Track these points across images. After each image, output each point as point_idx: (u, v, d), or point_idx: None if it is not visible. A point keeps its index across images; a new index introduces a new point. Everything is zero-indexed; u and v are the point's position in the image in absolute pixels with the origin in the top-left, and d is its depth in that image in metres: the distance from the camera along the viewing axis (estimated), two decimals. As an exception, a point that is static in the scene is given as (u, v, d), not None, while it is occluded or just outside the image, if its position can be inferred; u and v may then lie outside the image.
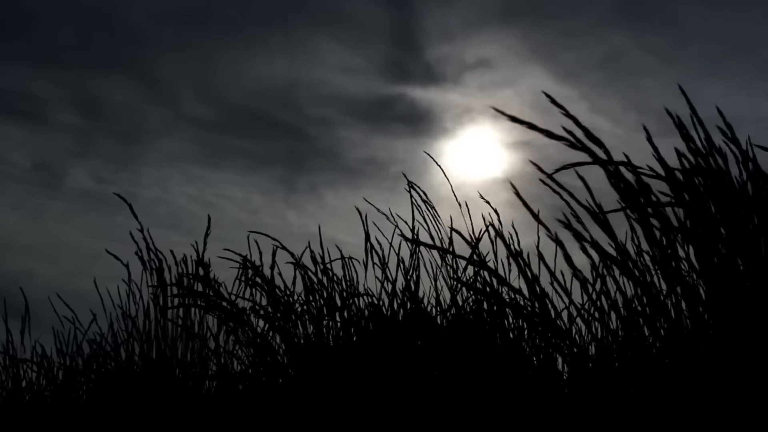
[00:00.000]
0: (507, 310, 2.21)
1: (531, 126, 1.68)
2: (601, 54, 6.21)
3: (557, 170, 1.69)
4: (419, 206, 2.69)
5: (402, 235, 2.65)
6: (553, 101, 1.65)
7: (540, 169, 1.75)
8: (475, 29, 6.36)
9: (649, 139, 1.82)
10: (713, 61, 5.79)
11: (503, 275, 2.52)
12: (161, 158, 7.18)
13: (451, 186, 2.63)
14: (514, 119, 1.67)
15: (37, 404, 3.31)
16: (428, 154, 2.70)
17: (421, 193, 2.70)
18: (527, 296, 1.82)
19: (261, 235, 3.06)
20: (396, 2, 6.49)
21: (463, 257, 1.89)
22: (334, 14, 6.57)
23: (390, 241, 2.77)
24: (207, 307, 2.82)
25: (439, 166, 2.66)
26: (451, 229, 2.62)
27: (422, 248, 2.70)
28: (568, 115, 1.64)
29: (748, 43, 5.71)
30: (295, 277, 2.89)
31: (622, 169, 1.72)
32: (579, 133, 1.71)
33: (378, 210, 2.78)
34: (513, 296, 2.27)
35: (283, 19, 6.67)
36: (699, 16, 5.90)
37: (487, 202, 2.45)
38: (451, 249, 2.27)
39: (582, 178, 1.83)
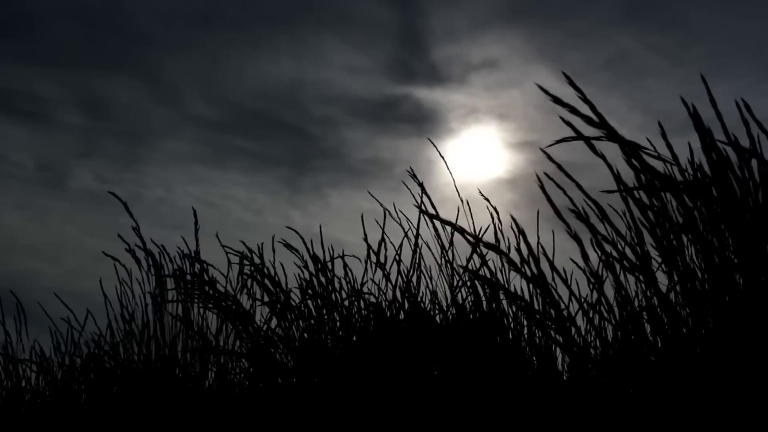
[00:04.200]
0: (507, 306, 2.19)
1: (570, 108, 1.64)
2: (607, 54, 6.18)
3: (558, 141, 1.65)
4: (423, 203, 2.66)
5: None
6: (571, 82, 1.62)
7: (549, 156, 1.72)
8: (481, 30, 6.33)
9: (664, 135, 1.80)
10: (719, 62, 5.75)
11: (504, 276, 2.49)
12: (165, 158, 7.17)
13: (454, 181, 2.60)
14: (556, 100, 1.64)
15: (37, 404, 3.30)
16: (431, 141, 2.67)
17: (422, 186, 2.67)
18: (530, 275, 1.80)
19: (264, 234, 3.05)
20: (402, 2, 6.47)
21: (470, 234, 1.86)
22: (340, 14, 6.56)
23: (390, 240, 2.77)
24: (205, 302, 2.81)
25: (442, 157, 2.63)
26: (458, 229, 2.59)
27: (423, 249, 2.68)
28: (585, 99, 1.61)
29: (753, 44, 5.67)
30: (293, 276, 2.88)
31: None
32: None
33: (381, 205, 2.77)
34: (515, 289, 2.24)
35: (289, 19, 6.66)
36: (705, 17, 5.86)
37: (486, 200, 2.43)
38: (453, 233, 2.24)
39: (606, 159, 1.80)
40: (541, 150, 1.72)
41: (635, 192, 1.67)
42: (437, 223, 2.64)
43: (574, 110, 1.62)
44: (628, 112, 5.72)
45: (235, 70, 6.90)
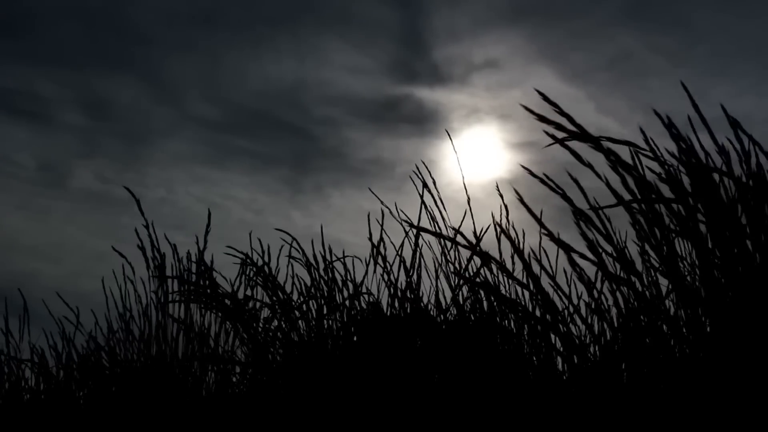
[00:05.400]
0: (506, 308, 2.18)
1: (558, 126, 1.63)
2: (609, 54, 6.18)
3: (549, 144, 1.64)
4: (425, 199, 2.65)
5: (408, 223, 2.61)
6: (546, 98, 1.61)
7: (530, 172, 1.71)
8: (483, 30, 6.33)
9: (646, 140, 1.79)
10: (721, 62, 5.75)
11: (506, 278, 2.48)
12: (167, 158, 7.17)
13: (462, 176, 2.58)
14: (542, 119, 1.63)
15: (37, 404, 3.29)
16: (448, 133, 2.65)
17: (428, 178, 2.65)
18: (532, 290, 1.79)
19: (265, 235, 3.05)
20: (404, 2, 6.46)
21: (467, 246, 1.86)
22: (341, 14, 6.56)
23: (392, 240, 2.77)
24: (207, 304, 2.80)
25: (455, 149, 2.61)
26: (457, 231, 2.58)
27: (424, 248, 2.67)
28: (561, 112, 1.60)
29: (756, 43, 5.66)
30: (293, 276, 2.87)
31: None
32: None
33: (382, 202, 2.76)
34: (515, 294, 2.24)
35: (291, 18, 6.66)
36: (707, 16, 5.85)
37: (501, 196, 2.42)
38: (455, 238, 2.23)
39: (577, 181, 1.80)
40: (522, 166, 1.71)
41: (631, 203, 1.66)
42: (439, 223, 2.63)
43: (560, 126, 1.61)
44: (630, 112, 5.71)
45: (236, 70, 6.90)
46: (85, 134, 7.12)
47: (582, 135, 1.61)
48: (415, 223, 2.68)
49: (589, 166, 1.69)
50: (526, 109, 1.61)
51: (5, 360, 3.48)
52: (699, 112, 1.69)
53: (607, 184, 1.70)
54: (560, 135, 1.64)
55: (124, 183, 6.88)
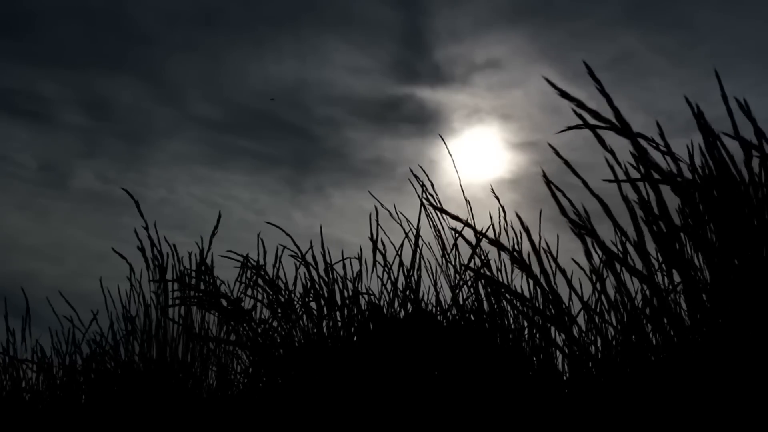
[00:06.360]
0: (508, 306, 2.18)
1: (578, 102, 1.62)
2: (610, 55, 6.17)
3: (567, 129, 1.64)
4: (426, 199, 2.66)
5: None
6: (564, 94, 1.61)
7: (556, 151, 1.71)
8: (484, 30, 6.33)
9: (662, 135, 1.79)
10: (722, 62, 5.73)
11: (506, 277, 2.49)
12: (168, 159, 7.18)
13: (459, 179, 2.59)
14: (563, 94, 1.62)
15: (37, 404, 3.29)
16: (441, 137, 2.67)
17: (426, 184, 2.66)
18: (542, 282, 1.79)
19: (265, 235, 3.05)
20: (405, 2, 6.47)
21: (474, 229, 1.85)
22: (343, 14, 6.56)
23: (391, 240, 2.76)
24: (207, 305, 2.80)
25: (450, 155, 2.62)
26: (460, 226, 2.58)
27: (424, 249, 2.67)
28: (580, 104, 1.60)
29: (757, 44, 5.66)
30: (296, 277, 2.87)
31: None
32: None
33: (381, 205, 2.77)
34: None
35: (292, 19, 6.66)
36: (708, 17, 5.85)
37: (497, 198, 2.43)
38: (462, 229, 2.24)
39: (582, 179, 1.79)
40: (549, 145, 1.71)
41: (640, 184, 1.66)
42: (438, 223, 2.63)
43: (581, 104, 1.61)
44: (631, 112, 5.69)
45: (237, 70, 6.90)
46: (86, 134, 7.13)
47: (619, 122, 1.61)
48: (416, 225, 2.68)
49: (611, 152, 1.69)
50: (549, 82, 1.60)
51: (6, 360, 3.48)
52: (726, 104, 1.69)
53: (626, 173, 1.70)
54: (578, 120, 1.64)
55: (125, 183, 6.90)
